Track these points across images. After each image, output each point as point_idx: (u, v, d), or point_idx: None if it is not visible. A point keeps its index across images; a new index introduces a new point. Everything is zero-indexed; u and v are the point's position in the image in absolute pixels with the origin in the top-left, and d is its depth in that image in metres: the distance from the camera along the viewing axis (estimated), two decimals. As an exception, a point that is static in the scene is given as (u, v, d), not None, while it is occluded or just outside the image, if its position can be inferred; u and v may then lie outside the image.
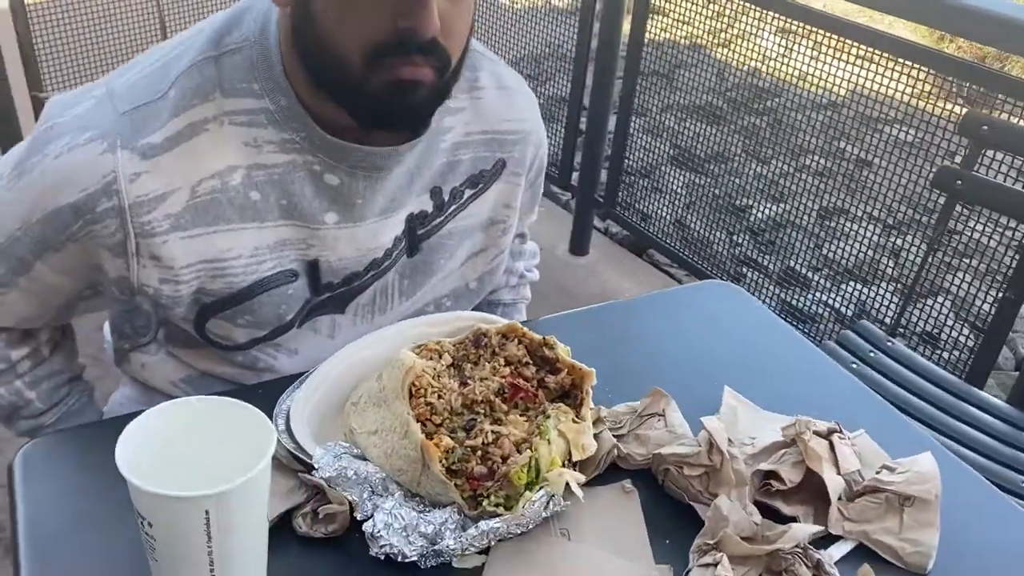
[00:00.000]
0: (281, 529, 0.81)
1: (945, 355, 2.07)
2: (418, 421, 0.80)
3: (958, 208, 1.78)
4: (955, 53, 4.34)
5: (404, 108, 0.87)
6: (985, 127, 1.65)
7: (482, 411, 0.84)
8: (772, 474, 0.87)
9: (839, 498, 0.86)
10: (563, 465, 0.82)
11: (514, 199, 1.13)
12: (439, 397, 0.82)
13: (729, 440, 0.88)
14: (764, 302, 2.51)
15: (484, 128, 1.06)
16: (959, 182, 1.69)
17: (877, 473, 0.88)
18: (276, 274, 0.97)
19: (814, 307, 2.53)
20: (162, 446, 0.66)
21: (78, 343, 1.17)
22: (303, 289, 1.00)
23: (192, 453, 0.67)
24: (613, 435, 0.91)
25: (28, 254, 0.93)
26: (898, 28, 4.06)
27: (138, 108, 0.89)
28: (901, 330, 2.37)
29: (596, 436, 0.89)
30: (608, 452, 0.89)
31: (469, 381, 0.86)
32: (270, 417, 0.89)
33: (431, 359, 0.87)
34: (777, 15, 2.26)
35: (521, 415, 0.86)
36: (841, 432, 0.91)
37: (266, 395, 0.94)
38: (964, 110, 1.77)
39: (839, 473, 0.87)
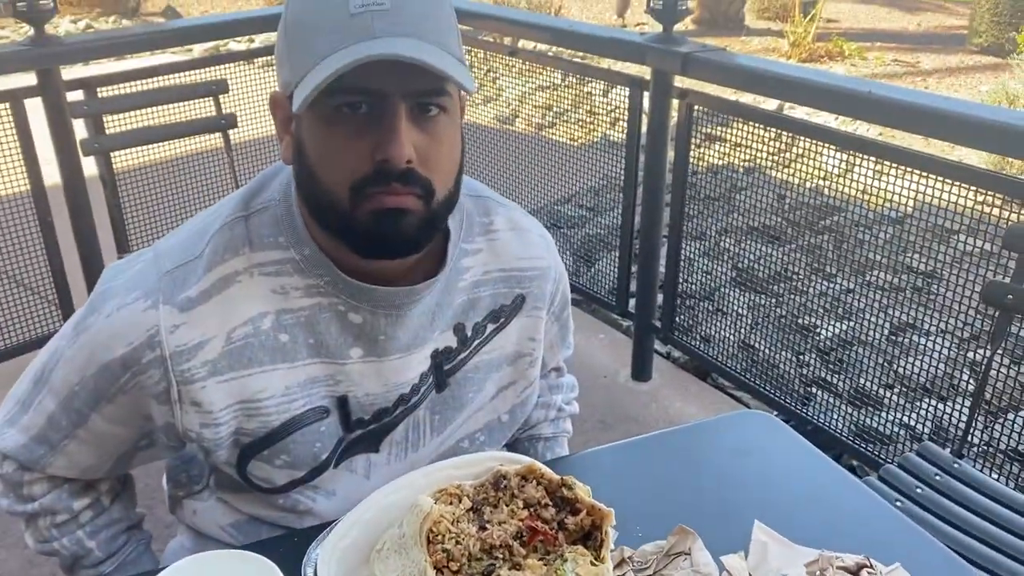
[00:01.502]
0: None
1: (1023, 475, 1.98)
2: (435, 568, 0.82)
3: None
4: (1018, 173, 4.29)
5: (393, 234, 0.93)
6: (1031, 240, 1.63)
7: (501, 555, 0.85)
8: (799, 614, 0.85)
9: (870, 638, 0.83)
10: (584, 608, 0.83)
11: (537, 332, 1.17)
12: (457, 543, 0.84)
13: (753, 578, 0.87)
14: (834, 424, 2.45)
15: (501, 267, 1.12)
16: (1009, 296, 1.66)
17: (910, 611, 0.85)
18: (307, 411, 1.03)
19: (886, 427, 2.45)
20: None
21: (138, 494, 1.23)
22: (335, 426, 1.05)
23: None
24: (639, 575, 0.91)
25: (84, 406, 1.02)
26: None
27: (179, 267, 0.99)
28: (977, 448, 2.28)
29: (618, 577, 0.89)
30: (630, 594, 0.89)
31: (488, 525, 0.87)
32: (301, 564, 0.93)
33: (451, 503, 0.89)
34: (835, 147, 2.31)
35: (540, 559, 0.87)
36: (871, 566, 0.89)
37: (301, 543, 0.98)
38: None
39: (869, 611, 0.85)
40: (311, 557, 0.94)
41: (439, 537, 0.84)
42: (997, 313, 1.73)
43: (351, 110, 0.89)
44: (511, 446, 1.31)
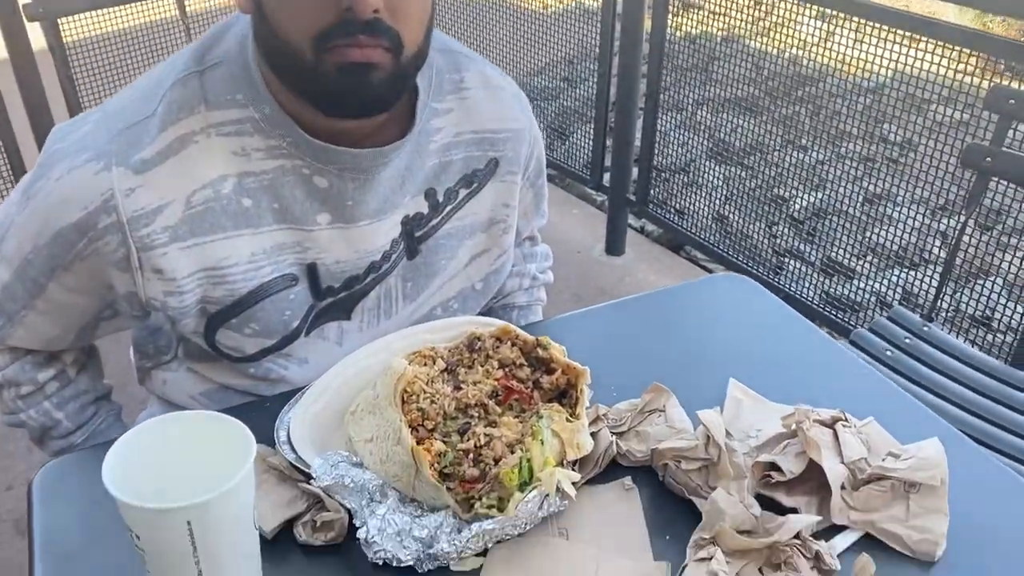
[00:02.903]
0: (283, 538, 0.83)
1: (990, 338, 2.01)
2: (410, 427, 0.81)
3: (1008, 188, 1.73)
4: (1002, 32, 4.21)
5: (360, 91, 0.88)
6: (1012, 100, 1.60)
7: (476, 414, 0.85)
8: (774, 465, 0.86)
9: (843, 487, 0.84)
10: (561, 465, 0.83)
11: (512, 198, 1.13)
12: (432, 402, 0.83)
13: (728, 433, 0.87)
14: (806, 292, 2.46)
15: (474, 128, 1.07)
16: (988, 159, 1.64)
17: (882, 460, 0.86)
18: (276, 279, 0.99)
19: (857, 295, 2.48)
20: (150, 461, 0.68)
21: (108, 366, 1.21)
22: (305, 294, 1.02)
23: (180, 466, 0.69)
24: (614, 433, 0.91)
25: (40, 275, 0.97)
26: (939, 8, 3.96)
27: (130, 127, 0.93)
28: (945, 313, 2.31)
29: (594, 434, 0.89)
30: (606, 450, 0.89)
31: (463, 385, 0.86)
32: (274, 428, 0.91)
33: (425, 365, 0.88)
34: (817, 6, 2.23)
35: (515, 417, 0.86)
36: (845, 420, 0.89)
37: (273, 407, 0.97)
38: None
39: (842, 462, 0.85)
40: (283, 421, 0.92)
41: (413, 397, 0.83)
42: (974, 176, 1.71)
43: None
44: (485, 315, 1.30)
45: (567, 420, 0.84)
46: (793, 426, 0.87)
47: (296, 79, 0.90)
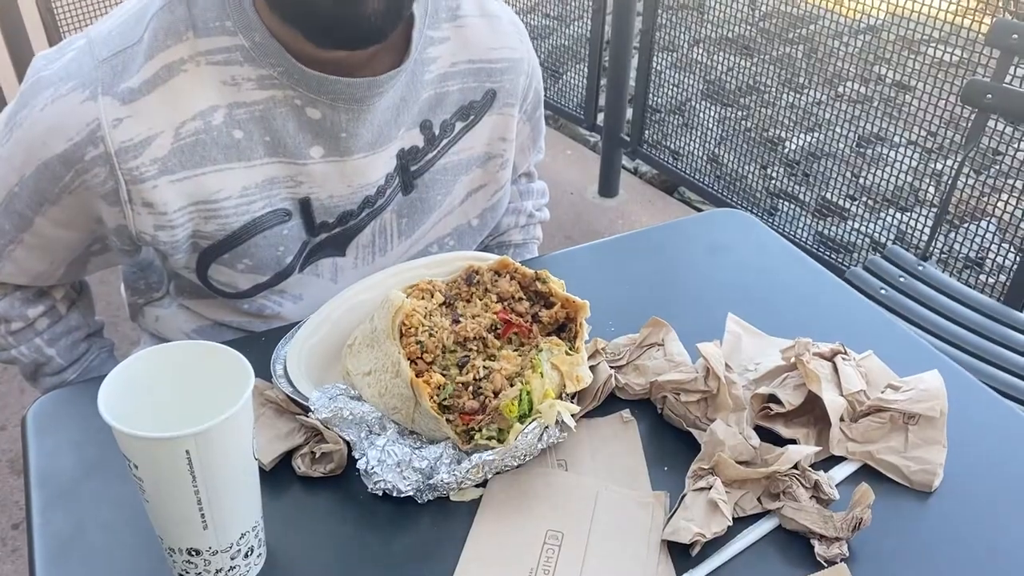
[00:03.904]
0: (281, 470, 0.82)
1: (983, 278, 2.01)
2: (409, 359, 0.80)
3: (1008, 128, 1.71)
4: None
5: (355, 18, 0.84)
6: (1015, 36, 1.58)
7: (475, 347, 0.84)
8: (773, 397, 0.86)
9: (842, 419, 0.84)
10: (560, 397, 0.82)
11: (509, 132, 1.11)
12: (430, 335, 0.82)
13: (728, 365, 0.86)
14: (799, 233, 2.46)
15: (470, 57, 1.04)
16: (988, 95, 1.62)
17: (881, 392, 0.86)
18: (268, 213, 0.98)
19: (851, 236, 2.47)
20: (145, 391, 0.68)
21: (99, 304, 1.20)
22: (298, 229, 1.01)
23: (176, 397, 0.69)
24: (612, 367, 0.91)
25: (27, 209, 0.95)
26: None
27: (116, 54, 0.90)
28: (938, 254, 2.31)
29: (593, 368, 0.88)
30: (605, 383, 0.88)
31: (461, 319, 0.85)
32: (270, 362, 0.91)
33: (423, 298, 0.87)
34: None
35: (515, 350, 0.85)
36: (845, 353, 0.89)
37: (269, 342, 0.96)
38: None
39: (841, 394, 0.85)
40: (279, 355, 0.92)
41: (412, 330, 0.82)
42: (974, 114, 1.69)
43: None
44: (481, 251, 1.28)
45: (566, 353, 0.84)
46: (792, 359, 0.87)
47: (287, 6, 0.86)
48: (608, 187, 2.92)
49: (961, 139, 2.01)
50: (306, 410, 0.84)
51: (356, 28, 0.85)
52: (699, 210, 2.91)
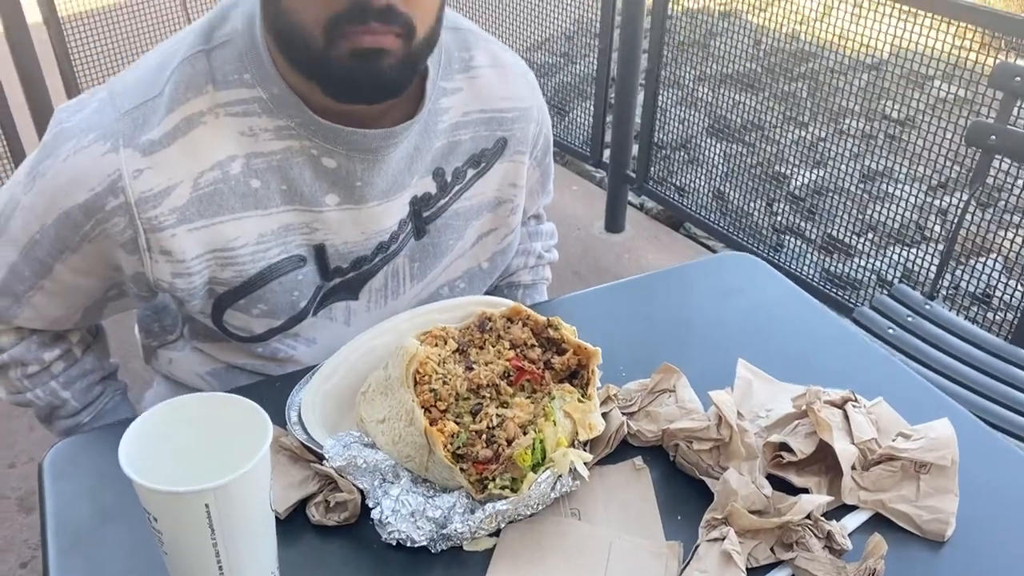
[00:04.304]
0: (295, 518, 0.83)
1: (990, 316, 2.02)
2: (423, 407, 0.81)
3: (1011, 166, 1.72)
4: (1002, 7, 4.19)
5: (371, 77, 0.86)
6: (1018, 78, 1.59)
7: (488, 395, 0.85)
8: (784, 446, 0.86)
9: (854, 468, 0.85)
10: (571, 446, 0.83)
11: (519, 178, 1.13)
12: (444, 383, 0.83)
13: (739, 413, 0.87)
14: (806, 270, 2.47)
15: (482, 107, 1.06)
16: (992, 137, 1.63)
17: (892, 441, 0.87)
18: (284, 260, 0.99)
19: (857, 273, 2.48)
20: (165, 442, 0.68)
21: (113, 344, 1.21)
22: (313, 275, 1.02)
23: (195, 448, 0.69)
24: (624, 413, 0.92)
25: (47, 256, 0.97)
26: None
27: (137, 107, 0.92)
28: (945, 291, 2.31)
29: (605, 415, 0.89)
30: (617, 430, 0.89)
31: (474, 366, 0.86)
32: (284, 409, 0.91)
33: (436, 346, 0.87)
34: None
35: (527, 398, 0.86)
36: (856, 400, 0.90)
37: (283, 387, 0.97)
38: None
39: (853, 442, 0.86)
40: (294, 400, 0.92)
41: (426, 378, 0.83)
42: (978, 154, 1.71)
43: None
44: (491, 294, 1.30)
45: (579, 401, 0.85)
46: (804, 407, 0.87)
47: (306, 63, 0.88)
48: (614, 223, 2.93)
49: (965, 177, 2.02)
50: (320, 458, 0.84)
51: (373, 84, 0.87)
52: (705, 246, 2.92)
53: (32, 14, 2.55)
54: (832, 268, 2.58)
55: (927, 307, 1.73)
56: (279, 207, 0.97)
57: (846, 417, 0.88)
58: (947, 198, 2.94)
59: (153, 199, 0.91)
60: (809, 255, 2.64)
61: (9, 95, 2.63)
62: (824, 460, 0.86)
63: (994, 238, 2.34)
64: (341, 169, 0.96)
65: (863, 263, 2.59)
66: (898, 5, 2.00)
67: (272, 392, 0.97)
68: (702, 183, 2.84)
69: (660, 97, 2.71)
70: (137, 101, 0.92)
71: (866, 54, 2.35)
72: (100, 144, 0.91)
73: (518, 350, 0.89)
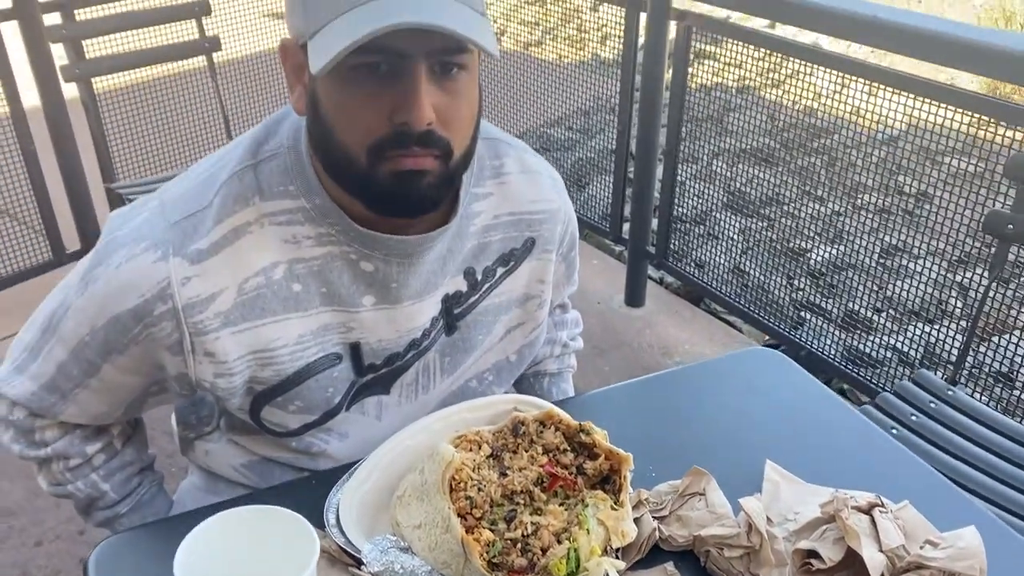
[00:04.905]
0: (334, 622, 0.85)
1: (1016, 394, 2.02)
2: (459, 515, 0.83)
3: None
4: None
5: (411, 195, 0.91)
6: (1033, 170, 1.63)
7: (522, 501, 0.87)
8: (813, 553, 0.87)
9: (882, 575, 0.86)
10: (604, 553, 0.84)
11: (547, 274, 1.16)
12: (479, 490, 0.85)
13: (769, 519, 0.89)
14: (827, 349, 2.48)
15: (512, 210, 1.11)
16: (1010, 226, 1.66)
17: (920, 548, 0.88)
18: (321, 358, 1.03)
19: (878, 352, 2.49)
20: (218, 555, 0.71)
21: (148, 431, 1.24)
22: (348, 371, 1.05)
23: (245, 560, 0.72)
24: (655, 516, 0.93)
25: (96, 357, 1.01)
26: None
27: (187, 217, 0.97)
28: (969, 370, 2.32)
29: (637, 520, 0.90)
30: (649, 536, 0.90)
31: (508, 471, 0.88)
32: (322, 510, 0.94)
33: (470, 450, 0.90)
34: (829, 69, 2.27)
35: (560, 504, 0.88)
36: (883, 505, 0.91)
37: (319, 486, 0.99)
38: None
39: (881, 549, 0.87)
40: (331, 502, 0.95)
41: (461, 484, 0.85)
42: (996, 242, 1.73)
43: (370, 69, 0.85)
44: (517, 383, 1.32)
45: (611, 508, 0.86)
46: (832, 513, 0.89)
47: (348, 180, 0.93)
48: (635, 297, 2.96)
49: (984, 253, 2.03)
50: (359, 562, 0.86)
51: (412, 202, 0.92)
52: (726, 322, 2.94)
53: (68, 89, 2.65)
54: (853, 345, 2.59)
55: (950, 393, 1.74)
56: (318, 308, 1.01)
57: (873, 523, 0.89)
58: (966, 273, 2.96)
59: (200, 304, 0.95)
60: (830, 333, 2.65)
61: (45, 170, 2.73)
62: (852, 567, 0.87)
63: (1016, 315, 2.35)
64: (378, 272, 1.00)
65: (884, 340, 2.60)
66: (910, 94, 2.05)
67: (309, 491, 0.99)
68: (721, 258, 2.87)
69: (679, 172, 2.76)
70: (187, 212, 0.97)
71: (882, 128, 2.40)
72: (151, 253, 0.95)
73: (551, 455, 0.91)
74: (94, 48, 2.66)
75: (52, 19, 2.61)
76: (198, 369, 0.99)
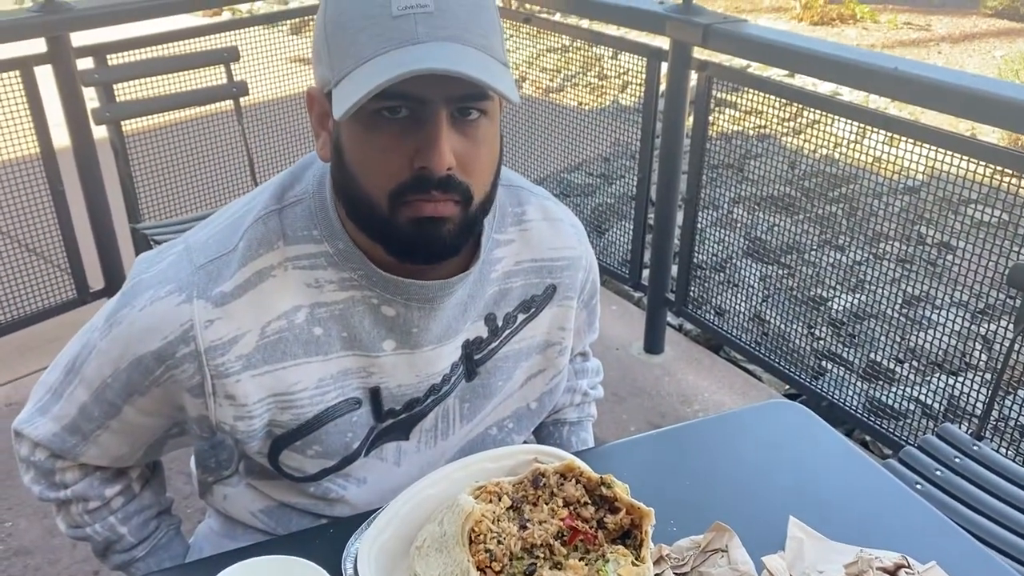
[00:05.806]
0: (350, 676, 0.83)
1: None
2: (478, 568, 0.82)
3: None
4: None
5: (432, 242, 0.92)
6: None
7: (542, 555, 0.86)
8: (838, 614, 0.86)
9: (910, 640, 0.84)
10: (624, 608, 0.83)
11: (567, 321, 1.16)
12: (498, 543, 0.85)
13: (792, 578, 0.87)
14: (849, 400, 2.45)
15: (533, 256, 1.11)
16: (1035, 280, 1.65)
17: (949, 612, 0.86)
18: (340, 403, 1.03)
19: (901, 404, 2.46)
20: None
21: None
22: (367, 416, 1.05)
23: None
24: (676, 572, 0.92)
25: (117, 398, 1.01)
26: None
27: (212, 261, 0.98)
28: (995, 424, 2.28)
29: (657, 576, 0.89)
30: (669, 592, 0.89)
31: (528, 524, 0.88)
32: (340, 559, 0.93)
33: (491, 501, 0.89)
34: (848, 120, 2.28)
35: (580, 558, 0.87)
36: (909, 566, 0.89)
37: (337, 535, 0.99)
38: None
39: (908, 613, 0.85)
40: (350, 551, 0.94)
41: (481, 537, 0.85)
42: (1021, 295, 1.72)
43: (391, 114, 0.87)
44: (536, 431, 1.32)
45: (632, 564, 0.85)
46: (856, 574, 0.87)
47: (370, 226, 0.94)
48: (654, 344, 2.95)
49: (1008, 304, 2.02)
50: (376, 613, 0.85)
51: (433, 248, 0.93)
52: (746, 370, 2.92)
53: (97, 130, 2.70)
54: (876, 396, 2.56)
55: (975, 448, 1.72)
56: (339, 352, 1.01)
57: (900, 584, 0.88)
58: (990, 325, 2.93)
59: (222, 347, 0.96)
60: (851, 384, 2.63)
61: (73, 210, 2.77)
62: (879, 629, 0.85)
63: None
64: (399, 317, 1.01)
65: (907, 392, 2.57)
66: (929, 146, 2.05)
67: (328, 540, 0.99)
68: (741, 305, 2.86)
69: (699, 218, 2.77)
70: (211, 256, 0.98)
71: (901, 178, 2.40)
72: (175, 296, 0.96)
73: (572, 508, 0.90)
74: (124, 91, 2.72)
75: (85, 63, 2.67)
76: (218, 412, 0.99)
